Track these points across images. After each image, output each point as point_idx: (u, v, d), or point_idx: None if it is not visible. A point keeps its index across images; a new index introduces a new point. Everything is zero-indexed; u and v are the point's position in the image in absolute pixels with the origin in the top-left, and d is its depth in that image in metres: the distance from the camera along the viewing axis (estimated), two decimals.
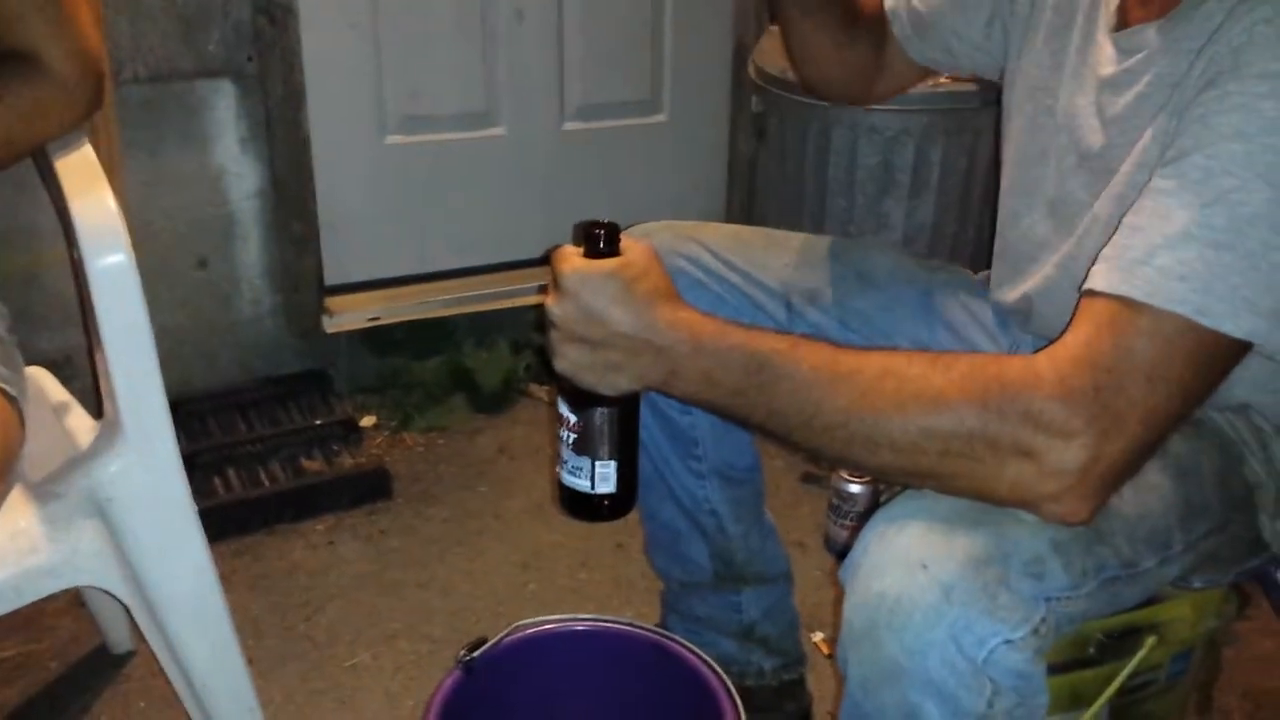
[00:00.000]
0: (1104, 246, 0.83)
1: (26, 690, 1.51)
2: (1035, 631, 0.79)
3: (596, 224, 0.88)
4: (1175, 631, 1.07)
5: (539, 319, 0.90)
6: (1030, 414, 0.77)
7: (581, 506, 0.96)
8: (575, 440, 0.92)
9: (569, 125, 2.31)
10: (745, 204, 2.45)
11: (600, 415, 0.91)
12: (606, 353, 0.86)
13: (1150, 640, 1.05)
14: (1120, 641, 1.04)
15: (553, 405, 0.95)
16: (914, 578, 0.79)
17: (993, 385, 0.78)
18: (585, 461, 0.93)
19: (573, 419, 0.92)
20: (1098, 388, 0.77)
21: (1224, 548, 1.01)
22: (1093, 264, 0.83)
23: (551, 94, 2.27)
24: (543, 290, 0.91)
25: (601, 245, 0.87)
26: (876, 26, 1.23)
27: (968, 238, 2.04)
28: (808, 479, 1.99)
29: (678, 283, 1.18)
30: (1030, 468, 0.77)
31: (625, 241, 0.89)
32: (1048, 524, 0.81)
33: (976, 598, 0.77)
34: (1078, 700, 1.04)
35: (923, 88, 1.95)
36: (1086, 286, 0.82)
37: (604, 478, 0.93)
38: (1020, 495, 0.79)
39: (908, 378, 0.81)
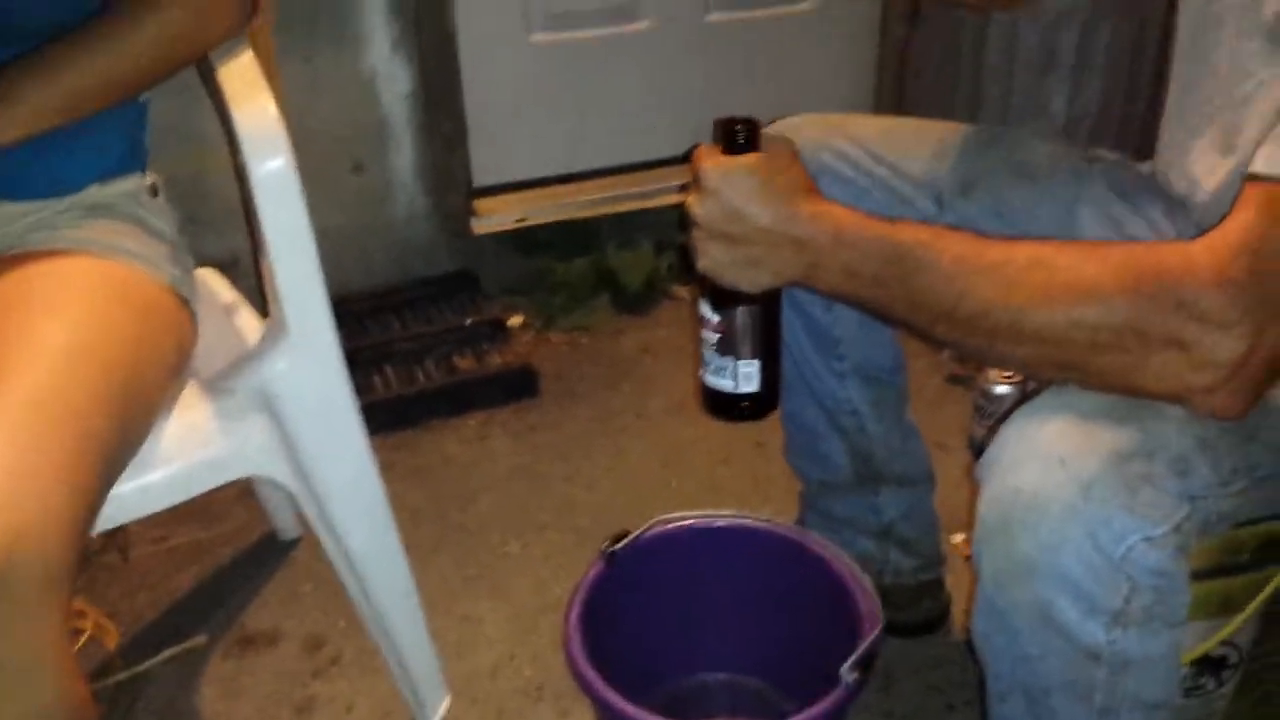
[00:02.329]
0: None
1: (200, 575, 1.61)
2: (1177, 529, 0.77)
3: (735, 120, 0.87)
4: None
5: (681, 218, 0.91)
6: (1185, 303, 0.74)
7: (725, 406, 0.97)
8: (718, 341, 0.93)
9: (714, 16, 2.27)
10: (896, 93, 2.37)
11: (743, 314, 0.91)
12: (748, 248, 0.86)
13: None
14: (1275, 548, 1.00)
15: (694, 306, 0.96)
16: (1051, 474, 0.78)
17: (1146, 274, 0.76)
18: (729, 361, 0.94)
19: (715, 319, 0.92)
20: (1256, 276, 0.73)
21: None
22: (1258, 147, 0.78)
23: None
24: (684, 189, 0.92)
25: (741, 142, 0.87)
26: None
27: (1135, 125, 1.93)
28: (953, 379, 1.97)
29: (823, 178, 1.18)
30: (1182, 358, 0.75)
31: (764, 137, 0.88)
32: (1196, 420, 0.79)
33: (1116, 493, 0.76)
34: (1229, 606, 1.02)
35: None
36: (1250, 170, 0.78)
37: (748, 377, 0.94)
38: (1171, 387, 0.77)
39: (1058, 267, 0.79)
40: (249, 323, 1.29)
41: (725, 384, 0.95)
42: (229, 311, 1.32)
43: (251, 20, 1.12)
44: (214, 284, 1.38)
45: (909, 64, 2.22)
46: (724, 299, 0.91)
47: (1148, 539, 0.76)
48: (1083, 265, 0.78)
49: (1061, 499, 0.77)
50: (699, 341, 0.95)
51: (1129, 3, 1.83)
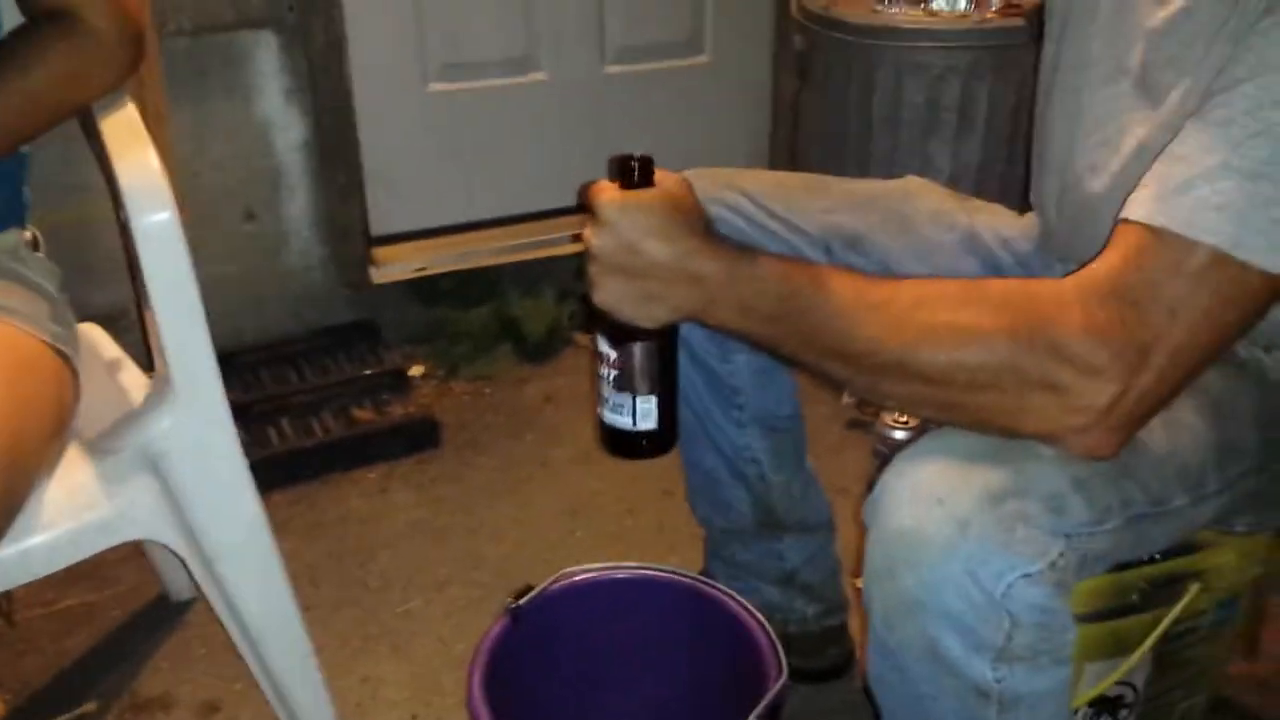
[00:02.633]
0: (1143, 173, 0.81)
1: (89, 639, 1.55)
2: (1053, 566, 0.79)
3: (631, 157, 0.88)
4: (1220, 578, 1.06)
5: (581, 267, 0.91)
6: (1057, 347, 0.76)
7: (623, 444, 0.96)
8: (616, 377, 0.93)
9: (611, 68, 2.29)
10: (789, 145, 2.42)
11: (640, 349, 0.91)
12: (645, 282, 0.86)
13: (1194, 587, 1.04)
14: (1164, 589, 1.03)
15: (592, 342, 0.95)
16: (930, 512, 0.79)
17: (1020, 314, 0.78)
18: (626, 398, 0.93)
19: (612, 355, 0.92)
20: (1124, 321, 0.76)
21: (1266, 490, 0.99)
22: (1129, 192, 0.81)
23: (592, 36, 2.25)
24: (580, 233, 0.92)
25: (637, 178, 0.88)
26: None
27: (1016, 176, 2.00)
28: (853, 424, 1.99)
29: (718, 229, 1.19)
30: (1056, 401, 0.77)
31: (659, 174, 0.89)
32: (1070, 460, 0.81)
33: (992, 532, 0.77)
34: (1121, 647, 1.04)
35: (969, 22, 1.92)
36: (1122, 215, 0.81)
37: (645, 414, 0.94)
38: (1046, 428, 0.79)
39: (940, 307, 0.81)
40: (134, 379, 1.25)
41: (623, 421, 0.95)
42: (113, 368, 1.28)
43: (136, 70, 1.10)
44: (97, 339, 1.34)
45: (801, 117, 2.27)
46: (621, 335, 0.91)
47: (1025, 576, 0.78)
48: (963, 305, 0.81)
49: (940, 537, 0.78)
50: (596, 378, 0.95)
51: (1006, 61, 1.90)
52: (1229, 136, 0.77)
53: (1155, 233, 0.77)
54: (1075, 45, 1.04)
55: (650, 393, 0.93)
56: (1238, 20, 0.83)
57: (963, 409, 0.81)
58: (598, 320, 0.91)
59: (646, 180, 0.88)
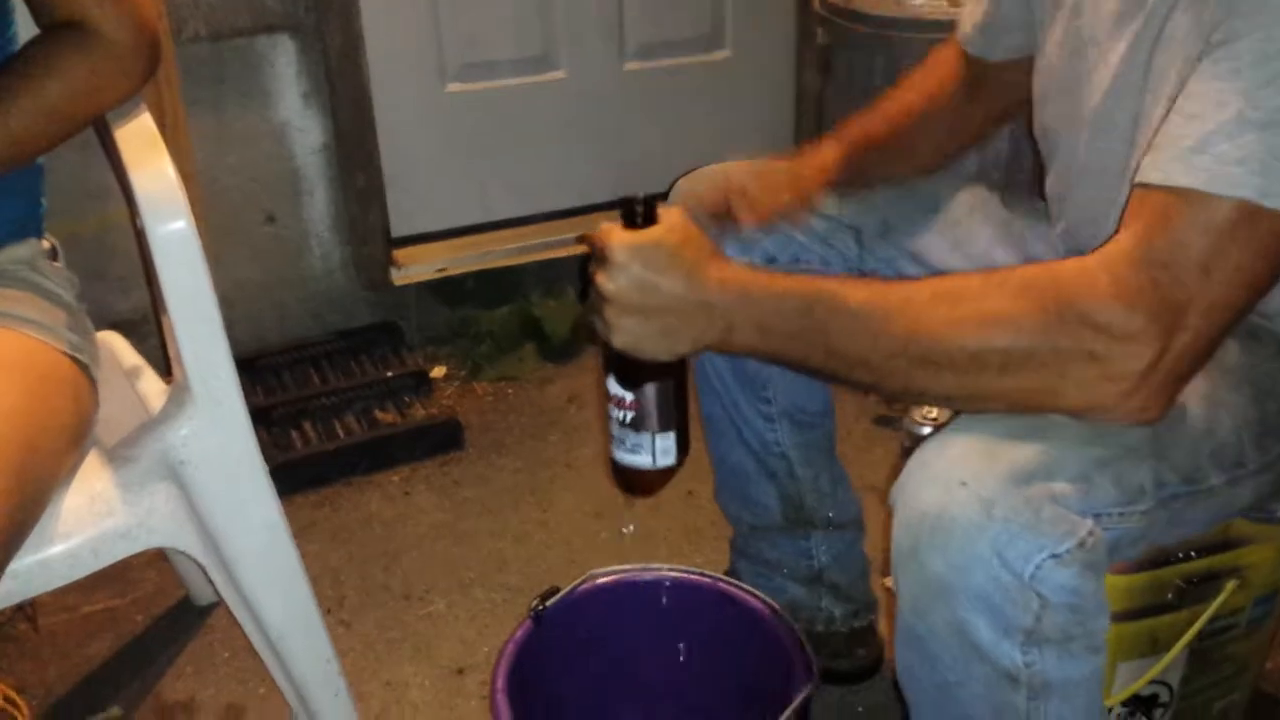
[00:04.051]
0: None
1: (114, 644, 1.55)
2: (1081, 545, 0.77)
3: (635, 199, 0.87)
4: (1257, 575, 1.04)
5: (580, 275, 0.90)
6: (1088, 317, 0.75)
7: (642, 483, 0.95)
8: (633, 418, 0.91)
9: (630, 65, 2.28)
10: (813, 140, 2.39)
11: (654, 388, 0.90)
12: (663, 319, 0.86)
13: (1231, 584, 1.02)
14: (1200, 586, 1.01)
15: (601, 383, 0.94)
16: (953, 494, 0.78)
17: (1048, 292, 0.77)
18: (645, 438, 0.91)
19: (628, 397, 0.90)
20: (1155, 284, 0.75)
21: None
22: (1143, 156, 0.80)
23: (611, 33, 2.23)
24: (579, 240, 0.91)
25: (641, 217, 0.87)
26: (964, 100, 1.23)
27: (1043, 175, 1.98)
28: (881, 421, 1.97)
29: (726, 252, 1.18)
30: (1094, 371, 0.76)
31: (661, 210, 0.89)
32: (1097, 440, 0.80)
33: (1019, 512, 0.76)
34: (1156, 645, 1.03)
35: None
36: (1138, 180, 0.79)
37: (665, 450, 0.92)
38: (1088, 401, 0.78)
39: (962, 298, 0.80)
40: (153, 386, 1.25)
41: (642, 461, 0.93)
42: (132, 376, 1.28)
43: (151, 78, 1.09)
44: (117, 347, 1.33)
45: (824, 112, 2.24)
46: (634, 375, 0.90)
47: (1054, 556, 0.77)
48: (985, 292, 0.80)
49: (965, 518, 0.77)
50: (607, 419, 0.93)
51: None
52: (1239, 89, 0.75)
53: (1179, 194, 0.76)
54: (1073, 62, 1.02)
55: (668, 429, 0.92)
56: None
57: (1000, 393, 0.80)
58: (610, 362, 0.90)
59: (651, 218, 0.87)
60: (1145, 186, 0.79)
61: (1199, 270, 0.75)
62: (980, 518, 0.77)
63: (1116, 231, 0.79)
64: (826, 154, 1.22)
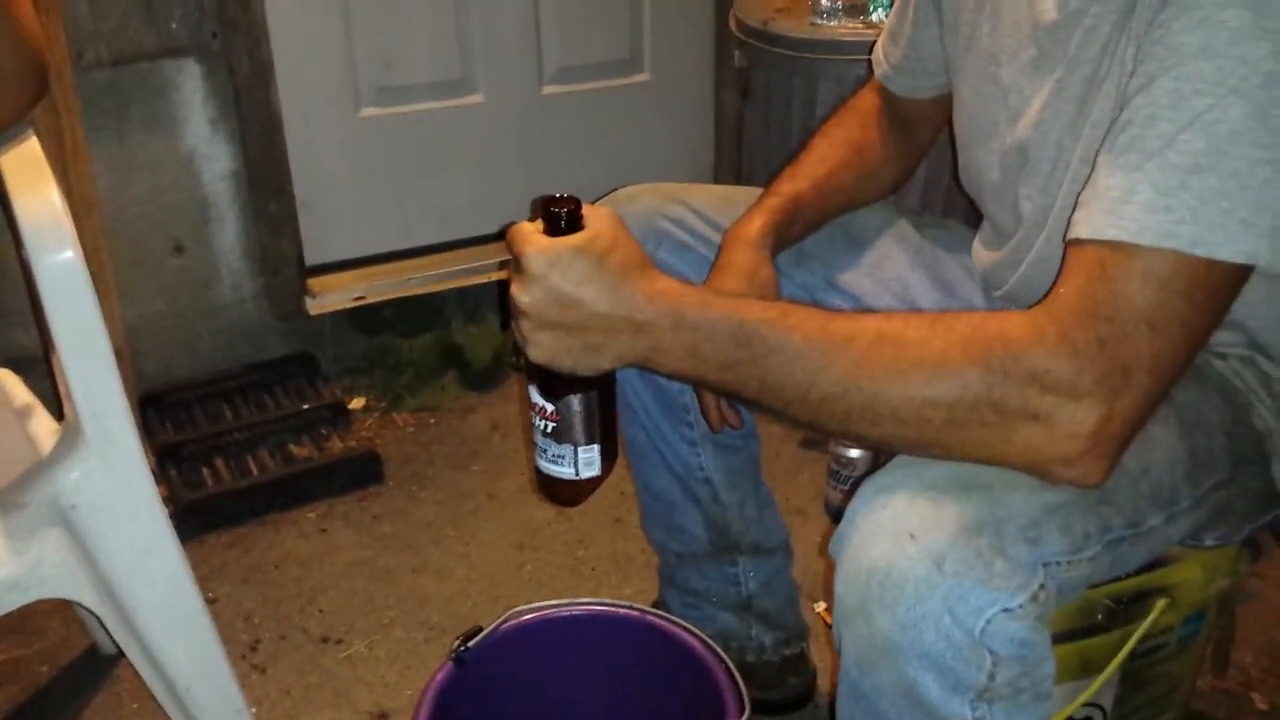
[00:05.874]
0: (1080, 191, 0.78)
1: (17, 695, 1.49)
2: (1034, 598, 0.75)
3: (555, 199, 0.82)
4: (1186, 593, 1.03)
5: (502, 298, 0.85)
6: (1036, 374, 0.73)
7: (566, 493, 0.92)
8: (554, 429, 0.87)
9: (549, 89, 2.25)
10: (733, 162, 2.39)
11: (579, 401, 0.86)
12: (584, 335, 0.81)
13: (1160, 603, 1.01)
14: (1129, 606, 1.00)
15: (524, 390, 0.90)
16: (903, 548, 0.75)
17: (995, 345, 0.74)
18: (567, 449, 0.88)
19: (549, 408, 0.86)
20: (1101, 340, 0.73)
21: (1235, 501, 0.97)
22: (1072, 212, 0.78)
23: (529, 57, 2.20)
24: (504, 268, 0.87)
25: (563, 222, 0.81)
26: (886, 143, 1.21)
27: (961, 192, 1.99)
28: (808, 444, 1.95)
29: (662, 245, 1.15)
30: (1041, 431, 0.73)
31: (587, 212, 0.83)
32: (1043, 487, 0.78)
33: (970, 566, 0.74)
34: (1088, 668, 1.01)
35: None
36: (1071, 235, 0.77)
37: (588, 463, 0.89)
38: (1032, 459, 0.75)
39: (906, 343, 0.76)
40: (45, 427, 1.19)
41: (566, 471, 0.89)
42: (23, 415, 1.21)
43: (38, 103, 1.04)
44: (8, 384, 1.27)
45: (744, 133, 2.24)
46: (557, 386, 0.86)
47: (1006, 610, 0.74)
48: (930, 338, 0.76)
49: (916, 574, 0.74)
50: (531, 428, 0.89)
51: None
52: (1160, 134, 0.74)
53: (1112, 247, 0.74)
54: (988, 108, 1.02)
55: (591, 441, 0.88)
56: (1135, 23, 0.80)
57: (943, 446, 0.77)
58: (532, 371, 0.86)
59: (574, 224, 0.81)
60: (1078, 242, 0.76)
61: (1145, 326, 0.73)
62: (931, 573, 0.74)
63: (1055, 285, 0.77)
64: (757, 229, 1.12)
